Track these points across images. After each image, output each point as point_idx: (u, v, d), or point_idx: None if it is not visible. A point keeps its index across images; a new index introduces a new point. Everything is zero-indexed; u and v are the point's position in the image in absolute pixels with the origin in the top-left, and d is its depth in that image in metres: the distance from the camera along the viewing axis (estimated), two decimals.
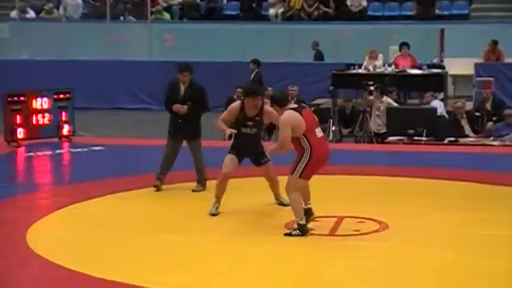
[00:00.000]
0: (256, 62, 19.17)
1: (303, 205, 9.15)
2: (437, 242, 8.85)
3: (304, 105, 9.35)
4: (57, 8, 25.23)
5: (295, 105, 9.14)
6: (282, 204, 10.11)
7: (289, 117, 8.91)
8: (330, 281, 7.78)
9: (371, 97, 16.38)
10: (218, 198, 9.96)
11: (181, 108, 10.97)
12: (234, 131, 9.76)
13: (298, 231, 8.98)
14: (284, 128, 8.95)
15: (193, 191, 11.06)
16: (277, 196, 10.21)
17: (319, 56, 22.04)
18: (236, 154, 9.90)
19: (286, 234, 9.02)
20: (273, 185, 10.15)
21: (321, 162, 9.05)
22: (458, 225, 9.48)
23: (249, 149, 9.89)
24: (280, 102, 9.11)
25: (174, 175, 11.31)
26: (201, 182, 11.14)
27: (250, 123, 9.80)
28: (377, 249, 8.59)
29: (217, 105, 19.18)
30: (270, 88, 17.25)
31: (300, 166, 8.92)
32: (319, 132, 9.05)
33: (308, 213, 9.37)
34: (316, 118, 9.29)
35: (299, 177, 8.95)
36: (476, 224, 9.55)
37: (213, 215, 9.89)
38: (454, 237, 9.05)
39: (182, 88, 11.03)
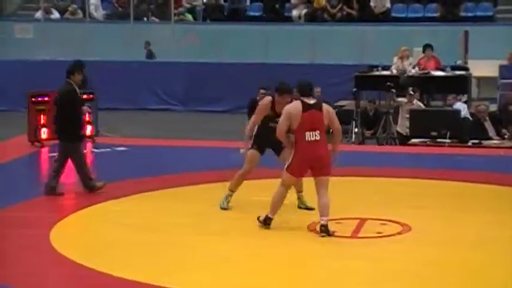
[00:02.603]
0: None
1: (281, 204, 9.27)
2: (460, 245, 8.80)
3: (322, 104, 9.26)
4: (81, 9, 25.34)
5: (312, 101, 9.15)
6: (306, 208, 10.04)
7: (289, 106, 9.20)
8: (352, 283, 7.75)
9: (402, 99, 16.28)
10: (232, 191, 10.06)
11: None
12: (248, 151, 9.88)
13: (262, 223, 9.21)
14: (282, 116, 9.21)
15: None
16: (299, 196, 10.13)
17: (150, 55, 22.58)
18: (259, 148, 9.96)
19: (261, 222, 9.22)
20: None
21: (305, 163, 9.11)
22: (481, 228, 9.43)
23: (274, 139, 9.79)
24: (301, 90, 9.24)
25: (197, 176, 11.26)
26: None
27: (278, 118, 9.67)
28: (399, 252, 8.56)
29: (240, 106, 19.33)
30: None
31: (290, 158, 9.15)
32: (310, 136, 9.02)
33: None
34: (322, 122, 9.11)
35: (286, 169, 9.15)
36: (499, 226, 9.49)
37: (224, 209, 9.99)
38: (477, 239, 9.00)
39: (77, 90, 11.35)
